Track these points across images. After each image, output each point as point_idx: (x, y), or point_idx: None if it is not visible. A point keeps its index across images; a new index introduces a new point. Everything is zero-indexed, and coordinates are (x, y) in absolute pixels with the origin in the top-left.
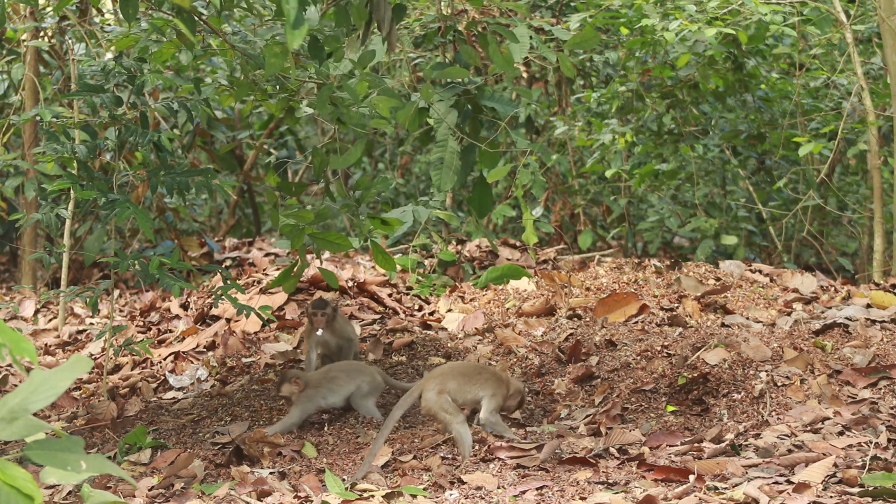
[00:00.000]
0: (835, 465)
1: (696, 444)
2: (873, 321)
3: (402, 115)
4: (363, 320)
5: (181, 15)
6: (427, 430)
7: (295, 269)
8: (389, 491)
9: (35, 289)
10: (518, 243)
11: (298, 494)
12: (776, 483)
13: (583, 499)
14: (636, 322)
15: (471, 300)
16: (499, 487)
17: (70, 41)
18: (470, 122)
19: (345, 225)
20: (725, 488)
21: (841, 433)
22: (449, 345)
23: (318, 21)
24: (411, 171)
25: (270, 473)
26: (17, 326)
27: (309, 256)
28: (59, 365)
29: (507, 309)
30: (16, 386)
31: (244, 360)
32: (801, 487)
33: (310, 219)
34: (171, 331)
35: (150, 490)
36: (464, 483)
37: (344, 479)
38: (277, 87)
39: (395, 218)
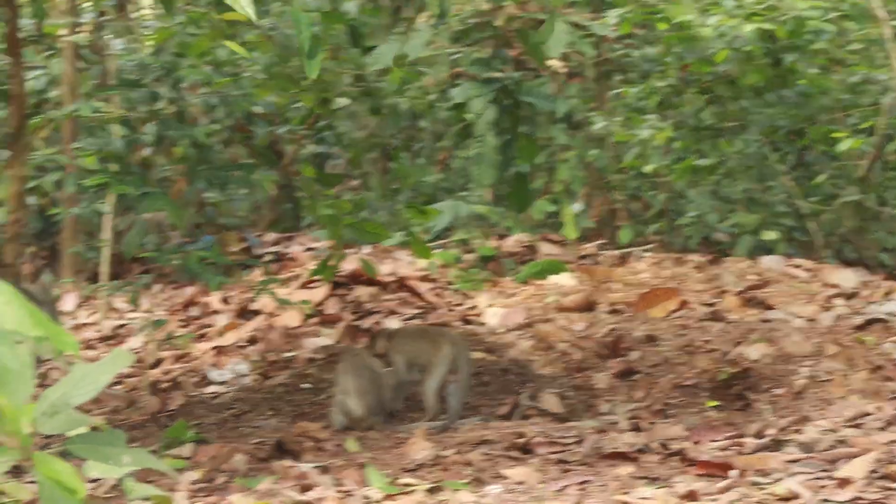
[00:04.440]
0: (877, 460)
1: (737, 440)
2: None
3: None
4: (404, 315)
5: (221, 5)
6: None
7: (332, 259)
8: (432, 485)
9: (76, 283)
10: (558, 238)
11: (341, 489)
12: (818, 478)
13: (625, 493)
14: (677, 317)
15: (511, 295)
16: (541, 482)
17: (108, 36)
18: (509, 117)
19: (385, 220)
20: (767, 483)
21: (883, 428)
22: (489, 340)
23: (356, 13)
24: (450, 167)
25: (313, 468)
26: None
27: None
28: (101, 359)
29: (548, 304)
30: (57, 380)
31: (285, 354)
32: (844, 483)
33: (347, 209)
34: (211, 325)
35: (192, 484)
36: (506, 478)
37: (387, 474)
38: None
39: (432, 208)
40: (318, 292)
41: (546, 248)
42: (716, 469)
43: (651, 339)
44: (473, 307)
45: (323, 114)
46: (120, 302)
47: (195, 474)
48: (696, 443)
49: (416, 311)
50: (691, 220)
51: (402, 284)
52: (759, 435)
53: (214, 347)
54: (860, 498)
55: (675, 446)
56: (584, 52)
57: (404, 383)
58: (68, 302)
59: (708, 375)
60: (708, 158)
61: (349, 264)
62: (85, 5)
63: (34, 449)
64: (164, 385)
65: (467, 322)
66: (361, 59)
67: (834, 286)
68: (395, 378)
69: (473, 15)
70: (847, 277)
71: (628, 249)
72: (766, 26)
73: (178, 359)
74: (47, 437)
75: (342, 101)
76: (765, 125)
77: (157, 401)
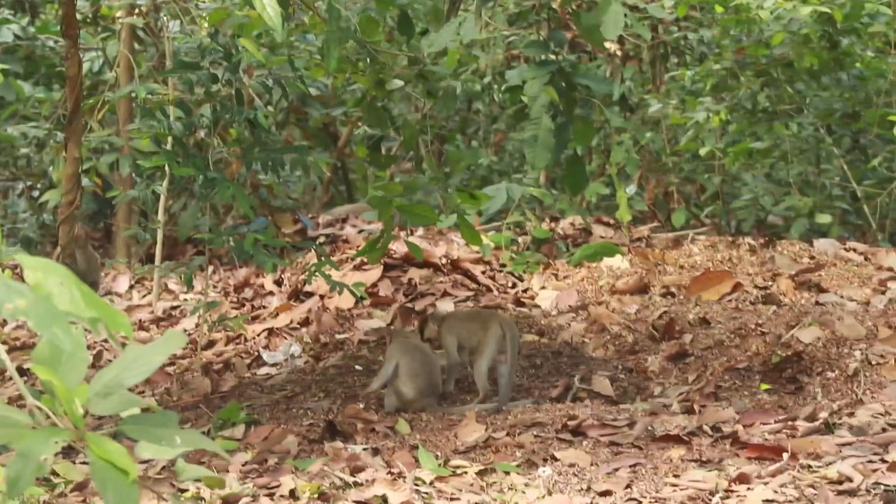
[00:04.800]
0: None
1: (789, 423)
2: None
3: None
4: (457, 297)
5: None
6: (521, 405)
7: (381, 241)
8: (482, 468)
9: (129, 264)
10: (612, 221)
11: (392, 470)
12: (870, 462)
13: (676, 476)
14: (730, 300)
15: (564, 278)
16: (592, 464)
17: (165, 18)
18: (564, 99)
19: (438, 203)
20: (819, 466)
21: None
22: (542, 322)
23: None
24: (505, 149)
25: (364, 449)
26: (111, 300)
27: (402, 234)
28: (154, 340)
29: (601, 286)
30: (110, 361)
31: (338, 336)
32: (895, 466)
33: (398, 191)
34: (264, 307)
35: (243, 465)
36: (557, 460)
37: (438, 456)
38: (368, 60)
39: (483, 193)
40: (372, 274)
41: (600, 231)
42: (767, 452)
43: (704, 322)
44: (526, 289)
45: (378, 96)
46: (173, 283)
47: (247, 455)
48: (747, 426)
49: (470, 294)
50: (745, 202)
51: (455, 266)
52: (811, 418)
53: (267, 329)
54: None
55: (726, 429)
56: (641, 35)
57: (455, 365)
58: (121, 283)
59: (760, 358)
60: (763, 141)
61: (403, 246)
62: None
63: (87, 430)
64: (217, 366)
65: (520, 304)
66: (417, 42)
67: (888, 269)
68: (446, 360)
69: None
70: None
71: (682, 232)
72: (823, 9)
73: (231, 340)
74: (100, 418)
75: (397, 83)
76: (820, 108)
77: (210, 382)
